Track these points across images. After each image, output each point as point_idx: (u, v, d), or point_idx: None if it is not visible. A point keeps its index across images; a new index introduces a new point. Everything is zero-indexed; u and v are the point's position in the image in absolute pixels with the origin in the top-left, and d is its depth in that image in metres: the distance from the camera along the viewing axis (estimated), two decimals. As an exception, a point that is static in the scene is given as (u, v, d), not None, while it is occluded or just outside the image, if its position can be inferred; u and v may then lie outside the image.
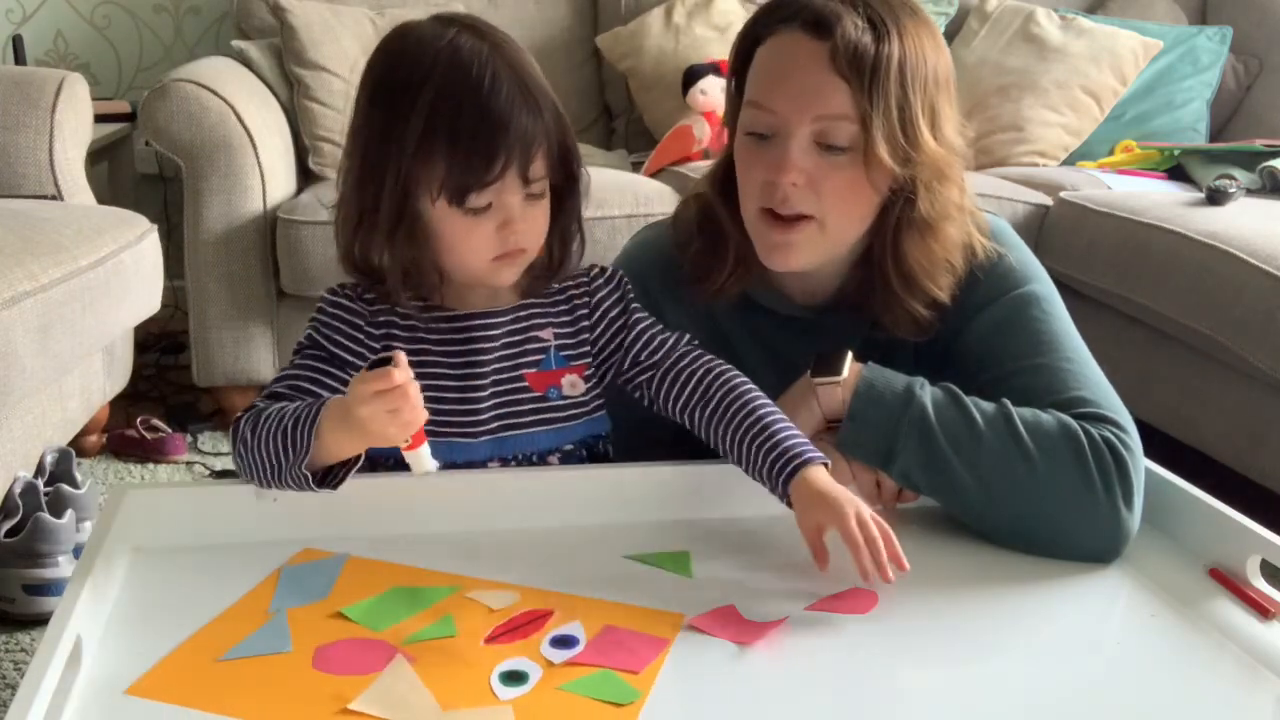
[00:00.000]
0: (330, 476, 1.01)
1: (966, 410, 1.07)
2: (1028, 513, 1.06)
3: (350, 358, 1.07)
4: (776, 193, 1.12)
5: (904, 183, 1.13)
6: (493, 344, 1.09)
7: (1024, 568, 1.04)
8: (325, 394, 1.06)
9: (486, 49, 1.01)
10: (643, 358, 1.13)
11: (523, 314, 1.11)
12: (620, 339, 1.14)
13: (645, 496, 1.10)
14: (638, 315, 1.15)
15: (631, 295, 1.16)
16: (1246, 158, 2.60)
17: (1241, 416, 2.06)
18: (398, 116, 1.00)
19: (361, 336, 1.08)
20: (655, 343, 1.14)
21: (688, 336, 1.16)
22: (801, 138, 1.10)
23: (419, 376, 1.07)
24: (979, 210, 1.22)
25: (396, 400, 0.93)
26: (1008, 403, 1.08)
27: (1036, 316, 1.17)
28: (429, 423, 1.04)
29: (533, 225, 1.05)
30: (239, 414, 1.05)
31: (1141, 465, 1.07)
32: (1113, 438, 1.06)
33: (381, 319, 1.08)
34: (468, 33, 1.02)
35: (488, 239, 1.03)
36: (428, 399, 1.07)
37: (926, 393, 1.08)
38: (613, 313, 1.14)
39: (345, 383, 1.07)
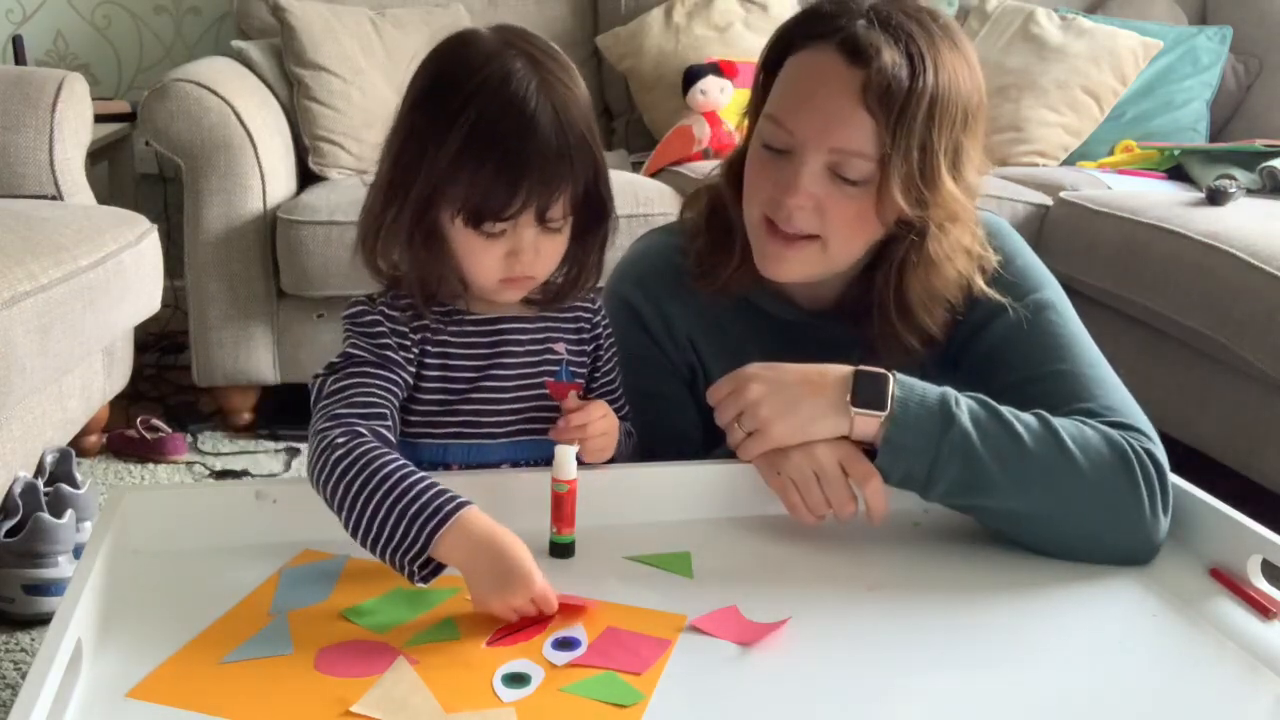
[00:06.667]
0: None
1: (1009, 425, 1.03)
2: (1071, 526, 1.04)
3: (398, 358, 1.05)
4: (781, 210, 1.11)
5: (914, 221, 1.11)
6: (520, 349, 1.10)
7: (1024, 570, 1.04)
8: (390, 399, 1.03)
9: (536, 83, 1.00)
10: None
11: (541, 324, 1.12)
12: (596, 374, 1.16)
13: (645, 496, 1.10)
14: (614, 366, 1.17)
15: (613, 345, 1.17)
16: (1246, 158, 2.60)
17: (1241, 416, 2.06)
18: (436, 129, 1.00)
19: (406, 342, 1.06)
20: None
21: (628, 409, 1.17)
22: (815, 164, 1.08)
23: (444, 379, 1.07)
24: (979, 211, 1.21)
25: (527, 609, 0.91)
26: (1045, 414, 1.05)
27: (1053, 321, 1.16)
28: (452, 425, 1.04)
29: (544, 256, 1.05)
30: (329, 426, 0.97)
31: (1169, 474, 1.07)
32: (1152, 449, 1.06)
33: (416, 323, 1.07)
34: (524, 60, 1.01)
35: (497, 261, 1.04)
36: (451, 401, 1.06)
37: (964, 410, 1.03)
38: (603, 348, 1.16)
39: (399, 383, 1.04)
